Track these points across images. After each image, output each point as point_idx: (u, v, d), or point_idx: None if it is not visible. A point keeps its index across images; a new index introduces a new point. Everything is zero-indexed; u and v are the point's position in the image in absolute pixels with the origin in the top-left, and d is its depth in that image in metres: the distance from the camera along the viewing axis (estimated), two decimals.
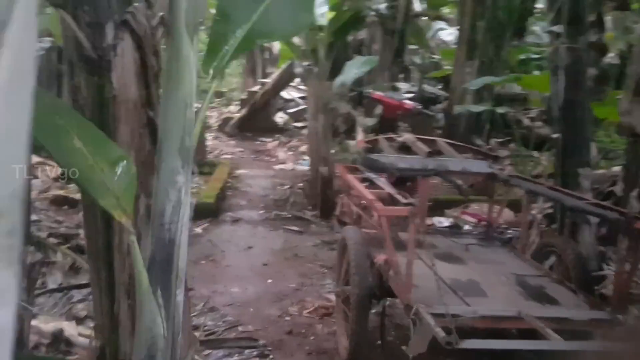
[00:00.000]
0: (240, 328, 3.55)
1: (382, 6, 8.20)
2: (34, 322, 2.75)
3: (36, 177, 6.56)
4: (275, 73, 11.95)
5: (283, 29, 1.56)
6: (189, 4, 1.35)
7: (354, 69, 6.14)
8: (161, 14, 1.92)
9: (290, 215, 6.07)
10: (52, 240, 4.20)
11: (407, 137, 3.96)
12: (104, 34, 1.85)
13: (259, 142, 10.73)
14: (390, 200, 2.81)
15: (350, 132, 8.45)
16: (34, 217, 4.68)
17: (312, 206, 6.30)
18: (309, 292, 4.15)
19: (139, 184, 1.76)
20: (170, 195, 1.36)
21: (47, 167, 6.94)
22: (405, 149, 3.77)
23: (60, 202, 5.80)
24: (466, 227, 5.14)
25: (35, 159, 7.06)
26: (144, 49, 1.92)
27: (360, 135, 7.98)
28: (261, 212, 6.25)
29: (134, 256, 1.35)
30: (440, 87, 9.69)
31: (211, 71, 1.46)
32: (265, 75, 14.17)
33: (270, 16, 1.48)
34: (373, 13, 7.83)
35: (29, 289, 2.23)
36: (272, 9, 1.48)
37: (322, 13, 5.40)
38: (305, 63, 5.93)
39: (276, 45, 14.75)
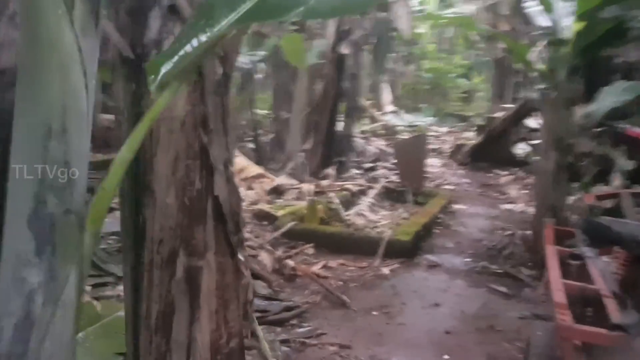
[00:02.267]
0: None
1: None
2: None
3: (251, 189, 6.67)
4: (521, 98, 10.62)
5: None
6: None
7: (610, 97, 4.77)
8: None
9: (501, 271, 4.96)
10: None
11: None
12: (146, 25, 1.31)
13: (491, 175, 9.56)
14: (594, 304, 1.74)
15: (601, 178, 6.81)
16: None
17: (532, 263, 5.09)
18: None
19: (180, 238, 1.19)
20: (12, 305, 0.72)
21: (266, 180, 7.04)
22: None
23: (261, 217, 5.71)
24: None
25: (257, 170, 7.25)
26: None
27: (615, 182, 6.36)
28: (467, 259, 5.27)
29: None
30: None
31: (160, 72, 0.79)
32: (514, 101, 12.83)
33: None
34: None
35: None
36: None
37: (567, 25, 4.25)
38: (541, 87, 4.79)
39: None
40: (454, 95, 20.56)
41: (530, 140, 10.51)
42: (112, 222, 4.79)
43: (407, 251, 5.04)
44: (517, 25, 9.91)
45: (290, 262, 4.36)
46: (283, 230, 5.06)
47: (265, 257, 4.35)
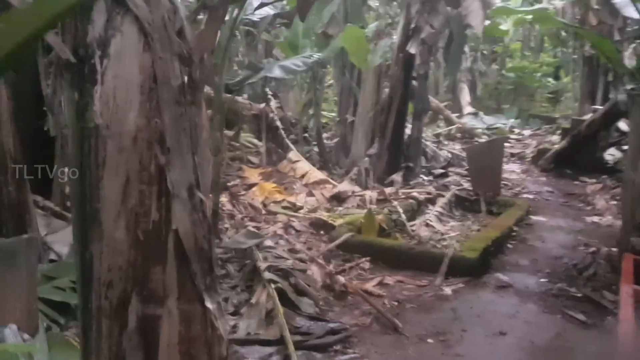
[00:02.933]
0: None
1: None
2: None
3: (312, 195, 6.45)
4: (612, 99, 9.71)
5: None
6: None
7: None
8: None
9: (580, 295, 4.41)
10: (267, 274, 3.73)
11: None
12: (90, 21, 1.08)
13: (576, 183, 8.77)
14: None
15: None
16: (270, 243, 4.37)
17: (617, 287, 4.49)
18: None
19: (132, 280, 0.96)
20: None
21: (328, 186, 6.79)
22: None
23: (318, 226, 5.46)
24: None
25: (319, 175, 7.01)
26: (154, 46, 1.08)
27: None
28: (543, 280, 4.75)
29: None
30: None
31: None
32: (605, 101, 11.82)
33: None
34: None
35: None
36: None
37: None
38: (630, 87, 4.21)
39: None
40: (540, 95, 19.38)
41: (622, 145, 9.58)
42: None
43: (474, 269, 4.60)
44: (607, 19, 9.04)
45: (342, 278, 4.07)
46: (338, 242, 4.77)
47: (315, 271, 4.08)
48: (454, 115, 13.53)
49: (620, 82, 12.89)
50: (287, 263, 3.96)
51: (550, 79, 19.26)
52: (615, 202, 7.44)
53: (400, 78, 7.14)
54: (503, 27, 18.79)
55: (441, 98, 15.52)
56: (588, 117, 10.30)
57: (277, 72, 4.27)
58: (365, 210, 5.70)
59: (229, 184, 6.27)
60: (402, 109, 7.29)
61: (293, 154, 7.19)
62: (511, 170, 9.36)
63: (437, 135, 11.23)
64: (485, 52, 18.46)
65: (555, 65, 19.80)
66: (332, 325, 3.49)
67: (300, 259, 4.26)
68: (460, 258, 4.60)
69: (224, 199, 5.72)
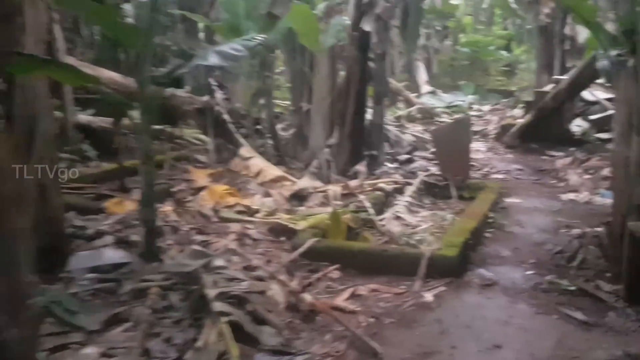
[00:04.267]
0: None
1: None
2: None
3: (269, 196, 5.81)
4: (575, 68, 9.41)
5: None
6: None
7: None
8: None
9: (574, 288, 3.97)
10: (217, 304, 3.10)
11: None
12: None
13: (545, 158, 8.45)
14: None
15: None
16: (221, 262, 3.73)
17: (612, 275, 4.07)
18: None
19: None
20: None
21: (286, 183, 6.17)
22: None
23: (278, 232, 4.84)
24: None
25: (276, 171, 6.38)
26: None
27: None
28: (529, 272, 4.29)
29: None
30: None
31: None
32: (564, 71, 11.56)
33: None
34: None
35: None
36: None
37: None
38: (614, 53, 3.74)
39: (582, 33, 11.92)
40: (495, 69, 19.17)
41: (588, 115, 9.31)
42: (92, 255, 4.06)
43: (455, 268, 4.09)
44: None
45: (308, 296, 3.49)
46: (302, 250, 4.18)
47: (276, 291, 3.49)
48: (412, 95, 13.08)
49: (575, 51, 12.67)
50: (242, 285, 3.35)
51: (503, 52, 19.06)
52: (588, 176, 7.12)
53: (357, 59, 6.56)
54: (453, 1, 18.41)
55: (398, 78, 15.05)
56: (548, 88, 9.99)
57: (213, 60, 3.61)
58: (329, 209, 5.13)
59: (173, 189, 5.58)
60: (361, 93, 6.71)
61: (245, 150, 6.53)
62: (477, 149, 8.96)
63: (398, 118, 10.74)
64: (438, 28, 18.06)
65: (508, 38, 19.60)
66: (299, 358, 2.91)
67: (259, 277, 3.65)
68: (439, 257, 4.08)
69: (167, 208, 5.04)
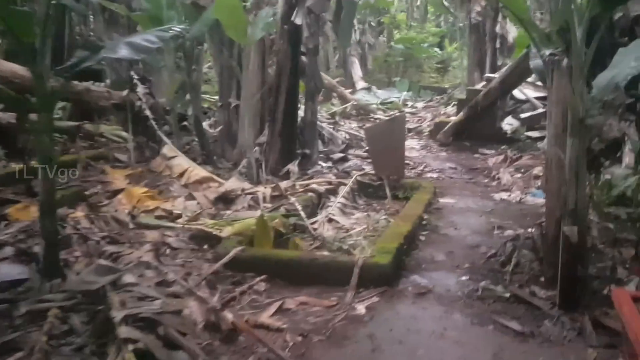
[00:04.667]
0: None
1: None
2: None
3: (193, 198, 5.42)
4: (506, 66, 9.53)
5: None
6: None
7: (630, 61, 3.62)
8: None
9: (508, 295, 3.85)
10: (123, 329, 2.73)
11: None
12: None
13: (477, 156, 8.46)
14: None
15: (608, 155, 5.70)
16: (131, 278, 3.34)
17: (546, 280, 3.98)
18: None
19: None
20: None
21: (213, 184, 5.78)
22: None
23: (201, 239, 4.48)
24: None
25: (202, 172, 5.98)
26: None
27: (627, 158, 5.30)
28: (463, 278, 4.15)
29: None
30: None
31: None
32: (495, 69, 11.73)
33: None
34: None
35: None
36: None
37: None
38: (548, 52, 3.62)
39: (512, 31, 12.13)
40: (428, 66, 19.37)
41: (519, 114, 9.43)
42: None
43: (388, 276, 3.89)
44: None
45: (229, 315, 3.17)
46: (225, 260, 3.85)
47: (194, 309, 3.14)
48: (347, 92, 12.91)
49: (506, 49, 12.88)
50: (154, 305, 2.99)
51: (436, 49, 19.28)
52: (520, 175, 7.14)
53: (288, 53, 6.25)
54: None
55: (333, 74, 14.87)
56: (480, 86, 10.08)
57: (123, 52, 3.21)
58: (258, 212, 4.81)
59: (87, 192, 5.09)
60: (293, 89, 6.41)
61: (168, 149, 6.09)
62: (411, 147, 8.88)
63: (332, 115, 10.52)
64: (372, 23, 18.04)
65: (441, 35, 19.86)
66: None
67: (175, 294, 3.29)
68: (372, 265, 3.86)
69: (79, 213, 4.58)
